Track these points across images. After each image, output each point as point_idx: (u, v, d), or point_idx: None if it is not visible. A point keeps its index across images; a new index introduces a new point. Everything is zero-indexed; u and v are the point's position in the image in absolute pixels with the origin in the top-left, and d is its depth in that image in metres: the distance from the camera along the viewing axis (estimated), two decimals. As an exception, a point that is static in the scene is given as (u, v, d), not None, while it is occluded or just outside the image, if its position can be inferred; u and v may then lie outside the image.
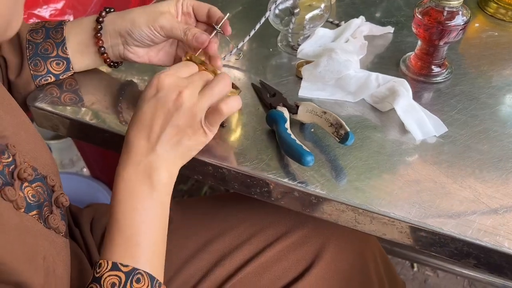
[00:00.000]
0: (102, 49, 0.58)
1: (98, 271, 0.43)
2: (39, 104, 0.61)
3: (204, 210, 0.65)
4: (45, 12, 0.97)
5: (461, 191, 0.50)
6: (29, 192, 0.42)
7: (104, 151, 1.07)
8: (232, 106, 0.48)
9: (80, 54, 0.60)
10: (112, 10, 0.59)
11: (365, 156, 0.54)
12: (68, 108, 0.61)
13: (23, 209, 0.40)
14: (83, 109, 0.61)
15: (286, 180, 0.52)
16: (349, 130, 0.51)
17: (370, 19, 0.74)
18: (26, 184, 0.42)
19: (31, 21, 0.94)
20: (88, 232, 0.63)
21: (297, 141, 0.51)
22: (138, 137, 0.46)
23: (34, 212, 0.41)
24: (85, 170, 1.34)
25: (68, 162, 1.34)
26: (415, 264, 1.28)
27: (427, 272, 1.27)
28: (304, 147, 0.50)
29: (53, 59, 0.59)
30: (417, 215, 0.48)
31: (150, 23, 0.55)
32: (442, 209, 0.48)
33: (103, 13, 0.58)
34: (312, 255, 0.61)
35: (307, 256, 0.61)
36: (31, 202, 0.41)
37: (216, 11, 0.57)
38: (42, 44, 0.58)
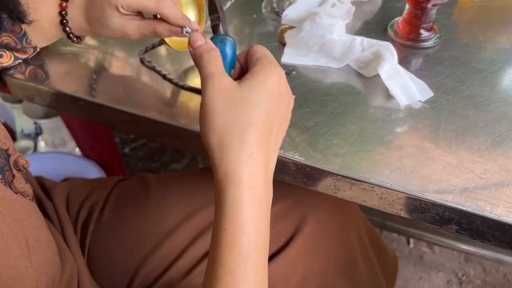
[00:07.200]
0: (71, 35, 0.55)
1: None
2: (13, 73, 0.59)
3: (184, 185, 0.64)
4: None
5: (444, 156, 0.48)
6: None
7: (92, 129, 1.06)
8: None
9: (47, 41, 0.56)
10: None
11: (347, 122, 0.52)
12: (43, 77, 0.59)
13: None
14: (58, 77, 0.59)
15: (264, 147, 0.50)
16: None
17: (358, -16, 0.71)
18: None
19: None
20: (62, 206, 0.61)
21: None
22: (261, 143, 0.38)
23: (0, 177, 0.40)
24: (77, 150, 1.33)
25: (59, 142, 1.33)
26: (411, 240, 1.27)
27: (423, 248, 1.26)
28: None
29: (19, 49, 0.55)
30: (397, 181, 0.46)
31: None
32: (423, 174, 0.46)
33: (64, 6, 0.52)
34: (293, 228, 0.60)
35: (288, 228, 0.60)
36: None
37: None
38: (0, 37, 0.53)
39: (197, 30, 0.50)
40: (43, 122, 1.31)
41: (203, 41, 0.41)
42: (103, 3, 0.49)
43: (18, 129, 1.37)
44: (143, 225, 0.60)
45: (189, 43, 0.41)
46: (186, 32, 0.50)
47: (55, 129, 1.33)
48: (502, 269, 1.20)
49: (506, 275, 1.19)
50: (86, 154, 1.22)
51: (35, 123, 1.35)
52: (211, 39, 0.43)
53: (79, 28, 0.53)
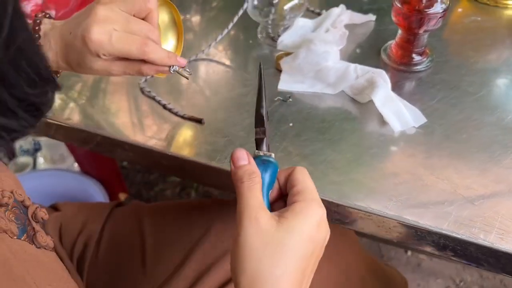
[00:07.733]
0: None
1: None
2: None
3: (177, 219, 0.61)
4: (26, 8, 0.96)
5: (438, 183, 0.49)
6: (11, 216, 0.38)
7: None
8: None
9: None
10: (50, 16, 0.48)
11: (344, 150, 0.54)
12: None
13: (16, 236, 0.36)
14: (57, 108, 0.60)
15: (263, 176, 0.51)
16: None
17: (352, 6, 0.73)
18: (4, 208, 0.37)
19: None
20: (57, 241, 0.59)
21: None
22: None
23: (25, 236, 0.38)
24: (76, 166, 1.34)
25: (58, 158, 1.34)
26: (408, 248, 1.29)
27: (420, 256, 1.28)
28: None
29: None
30: (393, 209, 0.47)
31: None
32: (419, 201, 0.48)
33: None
34: None
35: None
36: (18, 226, 0.38)
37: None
38: None
39: (184, 65, 0.49)
40: (42, 139, 1.32)
41: (247, 161, 0.39)
42: (83, 51, 0.45)
43: (17, 145, 1.38)
44: (140, 269, 0.59)
45: (232, 159, 0.39)
46: (174, 70, 0.48)
47: (53, 145, 1.34)
48: (498, 275, 1.22)
49: (502, 280, 1.21)
50: (85, 170, 1.23)
51: (34, 139, 1.36)
52: (254, 158, 0.40)
53: (55, 66, 0.49)
